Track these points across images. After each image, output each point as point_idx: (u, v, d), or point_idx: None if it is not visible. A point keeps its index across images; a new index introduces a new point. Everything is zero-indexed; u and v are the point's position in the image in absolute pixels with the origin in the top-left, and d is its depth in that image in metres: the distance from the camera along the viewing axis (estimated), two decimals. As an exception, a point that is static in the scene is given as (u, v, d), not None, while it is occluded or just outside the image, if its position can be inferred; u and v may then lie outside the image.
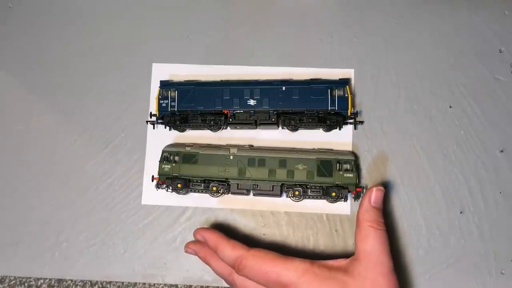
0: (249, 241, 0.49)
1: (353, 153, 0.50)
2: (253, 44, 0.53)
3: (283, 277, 0.41)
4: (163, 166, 0.50)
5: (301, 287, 0.40)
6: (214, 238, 0.45)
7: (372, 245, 0.42)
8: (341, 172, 0.48)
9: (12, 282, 0.51)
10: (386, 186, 0.48)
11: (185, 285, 0.50)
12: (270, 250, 0.43)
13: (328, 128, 0.50)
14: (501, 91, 0.51)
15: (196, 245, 0.47)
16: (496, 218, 0.49)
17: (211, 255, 0.45)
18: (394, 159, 0.51)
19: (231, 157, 0.49)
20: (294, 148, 0.51)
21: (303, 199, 0.49)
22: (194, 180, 0.50)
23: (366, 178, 0.50)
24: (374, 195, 0.45)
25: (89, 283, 0.51)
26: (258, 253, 0.42)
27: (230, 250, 0.43)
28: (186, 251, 0.48)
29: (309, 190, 0.49)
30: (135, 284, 0.51)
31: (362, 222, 0.43)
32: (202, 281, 0.50)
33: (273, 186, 0.49)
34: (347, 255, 0.44)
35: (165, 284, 0.50)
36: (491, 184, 0.50)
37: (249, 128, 0.51)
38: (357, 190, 0.48)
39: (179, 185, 0.49)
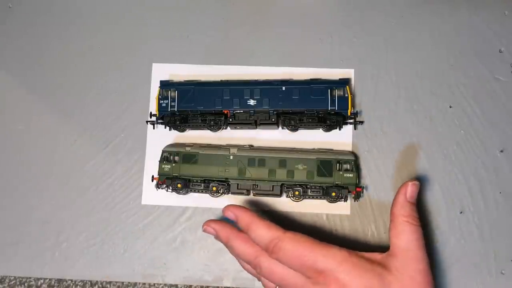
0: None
1: (353, 153, 0.50)
2: (253, 44, 0.53)
3: (320, 264, 0.39)
4: (163, 166, 0.50)
5: (339, 276, 0.39)
6: (247, 217, 0.42)
7: (407, 241, 0.41)
8: (341, 172, 0.48)
9: (12, 282, 0.51)
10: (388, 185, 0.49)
11: (185, 285, 0.50)
12: (305, 235, 0.41)
13: (328, 128, 0.50)
14: (501, 91, 0.51)
15: (217, 224, 0.44)
16: (496, 218, 0.49)
17: (236, 235, 0.43)
18: (394, 159, 0.51)
19: (231, 157, 0.49)
20: (294, 148, 0.51)
21: (303, 199, 0.49)
22: (194, 180, 0.50)
23: (366, 178, 0.50)
24: (409, 190, 0.43)
25: (89, 283, 0.51)
26: (294, 236, 0.41)
27: (266, 230, 0.41)
28: (205, 230, 0.45)
29: (309, 190, 0.49)
30: (135, 284, 0.51)
31: (397, 217, 0.42)
32: (202, 281, 0.50)
33: (273, 186, 0.49)
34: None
35: (165, 284, 0.50)
36: (491, 184, 0.50)
37: (249, 128, 0.51)
38: (357, 190, 0.48)
39: (179, 185, 0.49)
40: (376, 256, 0.41)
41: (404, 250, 0.41)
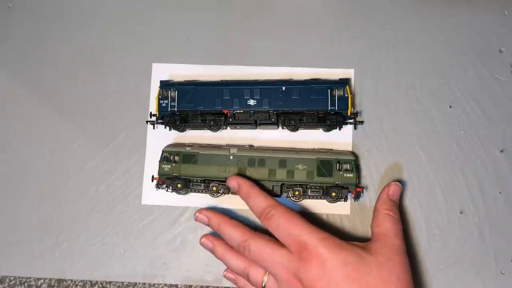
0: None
1: (353, 153, 0.50)
2: (253, 44, 0.53)
3: (305, 237, 0.42)
4: (163, 166, 0.50)
5: (320, 250, 0.41)
6: (248, 186, 0.47)
7: (386, 229, 0.44)
8: (341, 172, 0.48)
9: (12, 282, 0.51)
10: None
11: (185, 285, 0.50)
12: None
13: (328, 128, 0.50)
14: (501, 91, 0.51)
15: (209, 212, 0.47)
16: (496, 218, 0.49)
17: (227, 221, 0.46)
18: (394, 159, 0.51)
19: (231, 157, 0.49)
20: (294, 148, 0.51)
21: (303, 199, 0.49)
22: (194, 180, 0.50)
23: (366, 178, 0.50)
24: (392, 189, 0.47)
25: (89, 283, 0.51)
26: (287, 209, 0.44)
27: (263, 198, 0.45)
28: (196, 218, 0.47)
29: (309, 190, 0.49)
30: (135, 284, 0.51)
31: (379, 210, 0.46)
32: (202, 281, 0.50)
33: (273, 186, 0.49)
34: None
35: (165, 284, 0.50)
36: (491, 184, 0.50)
37: (249, 128, 0.51)
38: (357, 190, 0.48)
39: (179, 185, 0.49)
40: (358, 243, 0.44)
41: (383, 236, 0.44)
